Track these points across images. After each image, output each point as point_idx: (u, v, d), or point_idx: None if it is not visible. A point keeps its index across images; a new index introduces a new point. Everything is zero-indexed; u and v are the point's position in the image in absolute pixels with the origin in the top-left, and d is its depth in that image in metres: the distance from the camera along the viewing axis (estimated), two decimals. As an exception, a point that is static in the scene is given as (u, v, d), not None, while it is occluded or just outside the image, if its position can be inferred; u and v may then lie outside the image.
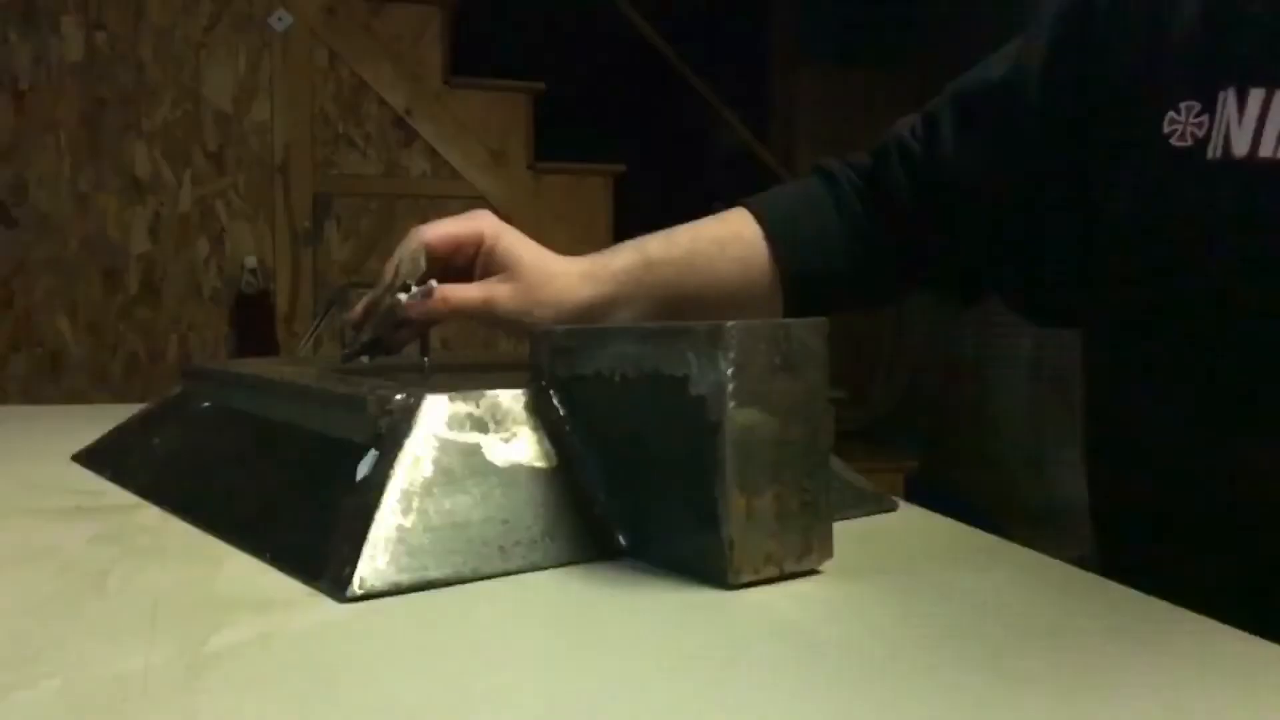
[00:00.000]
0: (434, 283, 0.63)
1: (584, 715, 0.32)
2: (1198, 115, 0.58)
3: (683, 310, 0.72)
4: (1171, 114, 0.59)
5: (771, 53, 3.88)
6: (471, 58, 2.86)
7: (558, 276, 0.68)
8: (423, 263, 0.64)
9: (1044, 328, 0.76)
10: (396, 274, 0.64)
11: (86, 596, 0.43)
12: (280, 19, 2.57)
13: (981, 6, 3.17)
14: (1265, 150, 0.54)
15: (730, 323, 0.42)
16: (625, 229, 2.84)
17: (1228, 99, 0.56)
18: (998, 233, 0.71)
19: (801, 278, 0.75)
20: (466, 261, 0.67)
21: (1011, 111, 0.69)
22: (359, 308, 0.68)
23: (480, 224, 0.67)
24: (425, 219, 0.67)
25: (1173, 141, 0.58)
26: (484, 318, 0.66)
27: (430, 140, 2.67)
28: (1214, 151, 0.56)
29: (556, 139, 2.93)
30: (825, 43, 3.78)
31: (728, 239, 0.74)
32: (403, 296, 0.63)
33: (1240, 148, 0.55)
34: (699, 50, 3.34)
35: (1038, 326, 0.76)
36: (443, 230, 0.66)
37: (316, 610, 0.41)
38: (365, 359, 0.68)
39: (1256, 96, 0.55)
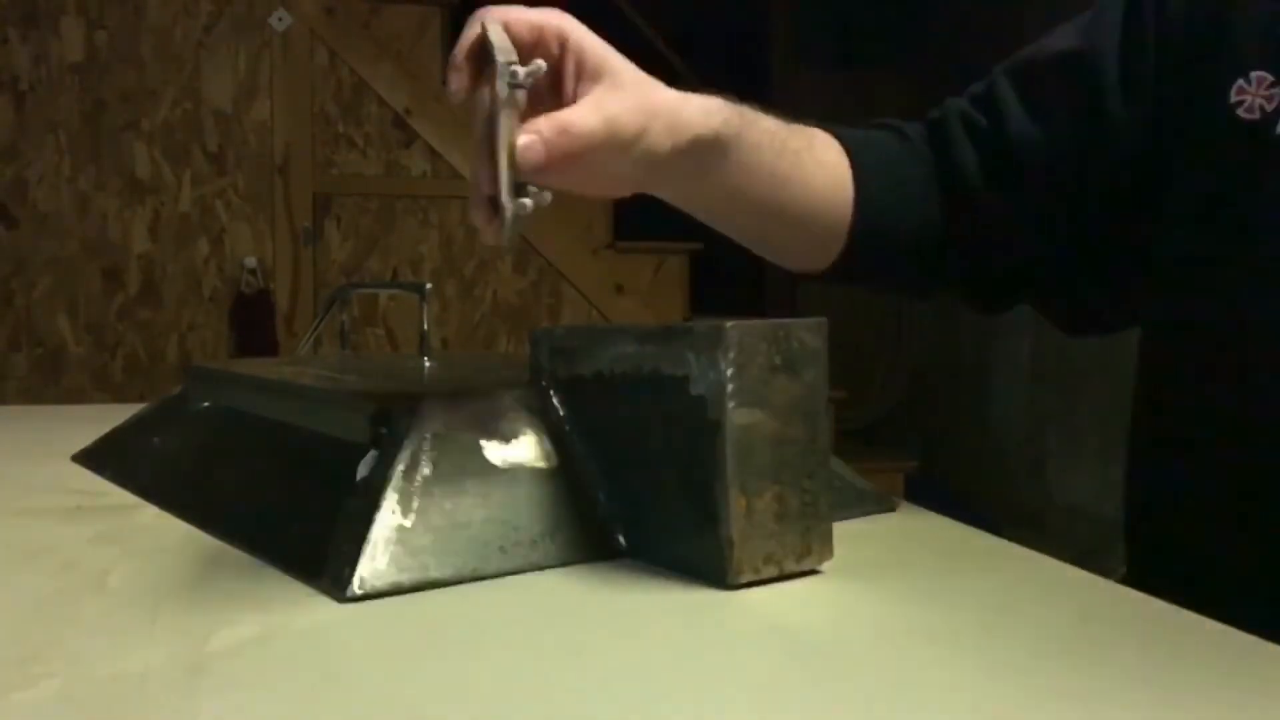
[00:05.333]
0: (541, 62, 0.51)
1: (584, 715, 0.32)
2: (1269, 87, 0.56)
3: (766, 197, 0.62)
4: (1241, 82, 0.57)
5: (771, 53, 3.88)
6: (471, 57, 2.86)
7: (658, 85, 0.56)
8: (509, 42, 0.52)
9: (1076, 336, 0.72)
10: (482, 58, 0.52)
11: (86, 596, 0.43)
12: (280, 19, 2.57)
13: (981, 7, 3.18)
14: None
15: (730, 323, 0.42)
16: (626, 230, 2.86)
17: None
18: (1072, 213, 0.65)
19: (871, 231, 0.66)
20: (547, 60, 0.53)
21: (1090, 80, 0.63)
22: (455, 81, 0.53)
23: (560, 18, 0.54)
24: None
25: (1240, 113, 0.56)
26: (609, 147, 0.52)
27: (430, 140, 2.67)
28: None
29: (556, 139, 2.92)
30: (825, 43, 3.78)
31: (818, 144, 0.65)
32: (518, 70, 0.50)
33: None
34: (699, 51, 3.34)
35: (1069, 335, 0.72)
36: (520, 14, 0.53)
37: (316, 610, 0.41)
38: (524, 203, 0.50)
39: None
